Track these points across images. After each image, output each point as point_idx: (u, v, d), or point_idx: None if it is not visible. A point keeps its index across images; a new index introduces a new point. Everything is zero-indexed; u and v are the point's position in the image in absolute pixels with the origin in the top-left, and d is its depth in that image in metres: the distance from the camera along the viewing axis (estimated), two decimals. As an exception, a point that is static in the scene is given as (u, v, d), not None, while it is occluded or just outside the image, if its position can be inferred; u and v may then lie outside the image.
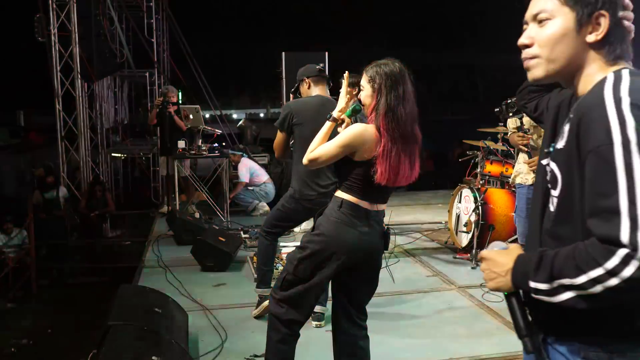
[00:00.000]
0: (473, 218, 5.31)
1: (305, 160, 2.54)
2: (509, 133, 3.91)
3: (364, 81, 2.48)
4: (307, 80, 3.75)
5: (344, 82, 2.64)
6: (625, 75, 1.25)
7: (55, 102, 8.75)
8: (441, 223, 6.88)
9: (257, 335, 3.72)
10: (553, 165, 1.34)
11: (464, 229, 5.53)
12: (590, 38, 1.29)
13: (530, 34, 1.34)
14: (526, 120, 3.78)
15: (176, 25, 11.51)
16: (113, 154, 11.25)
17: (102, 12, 9.14)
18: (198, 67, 11.10)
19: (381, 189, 2.46)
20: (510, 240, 5.30)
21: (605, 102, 1.19)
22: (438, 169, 15.38)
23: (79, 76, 8.86)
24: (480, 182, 5.85)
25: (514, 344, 3.53)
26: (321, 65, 8.17)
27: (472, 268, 5.12)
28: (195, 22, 19.36)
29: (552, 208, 1.36)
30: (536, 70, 1.34)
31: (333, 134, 2.57)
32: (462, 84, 25.13)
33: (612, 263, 1.12)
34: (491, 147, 5.72)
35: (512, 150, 5.94)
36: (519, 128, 3.73)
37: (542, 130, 3.68)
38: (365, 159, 2.41)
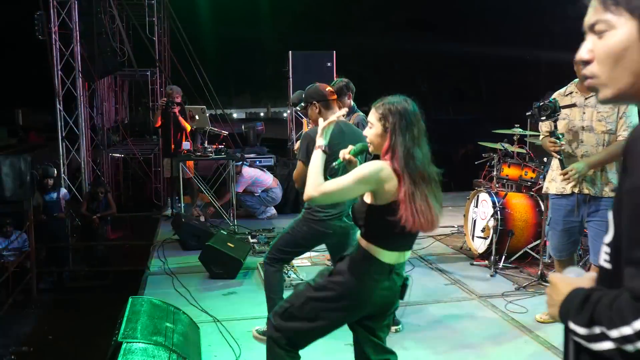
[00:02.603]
0: (491, 223, 5.12)
1: (314, 193, 2.22)
2: (541, 137, 3.66)
3: (374, 118, 2.29)
4: (317, 105, 3.48)
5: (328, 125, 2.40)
6: None
7: (55, 102, 8.53)
8: (454, 227, 6.70)
9: (272, 350, 3.55)
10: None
11: (481, 234, 5.34)
12: None
13: (589, 46, 1.11)
14: (561, 124, 3.52)
15: (178, 24, 11.30)
16: (112, 155, 11.04)
17: (103, 10, 8.93)
18: (200, 65, 10.90)
19: (409, 235, 2.26)
20: (531, 246, 5.12)
21: None
22: (441, 170, 15.20)
23: (80, 75, 8.64)
24: (496, 185, 5.67)
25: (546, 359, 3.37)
26: (330, 65, 8.06)
27: (492, 276, 4.93)
28: (197, 21, 19.15)
29: (604, 259, 1.13)
30: (601, 93, 1.12)
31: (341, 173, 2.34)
32: (464, 83, 24.94)
33: (639, 324, 0.95)
34: (509, 150, 5.53)
35: (531, 153, 5.77)
36: (552, 133, 3.45)
37: (579, 135, 3.46)
38: (388, 201, 2.20)
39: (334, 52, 8.05)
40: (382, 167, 2.20)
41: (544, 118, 3.41)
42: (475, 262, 5.31)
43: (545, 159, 5.37)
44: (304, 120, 4.41)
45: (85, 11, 8.55)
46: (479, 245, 5.39)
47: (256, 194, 7.35)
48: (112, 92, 12.44)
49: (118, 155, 11.78)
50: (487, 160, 6.00)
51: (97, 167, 9.84)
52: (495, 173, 5.64)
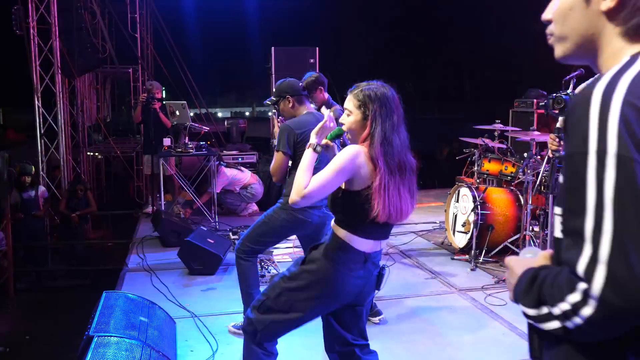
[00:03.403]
0: (472, 218, 5.13)
1: (297, 195, 2.18)
2: None
3: (352, 105, 2.24)
4: (290, 99, 3.50)
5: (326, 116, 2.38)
6: None
7: (34, 98, 8.40)
8: (435, 223, 6.71)
9: (250, 344, 3.51)
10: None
11: (462, 229, 5.34)
12: (604, 5, 1.03)
13: (552, 6, 1.14)
14: None
15: (161, 21, 11.19)
16: (89, 153, 10.88)
17: (83, 5, 8.81)
18: (183, 63, 10.80)
19: (384, 224, 2.23)
20: (510, 240, 5.13)
21: (592, 97, 0.95)
22: (426, 168, 15.25)
23: (59, 71, 8.51)
24: (477, 180, 5.67)
25: (525, 352, 3.36)
26: (313, 62, 8.03)
27: (472, 270, 4.93)
28: (180, 18, 19.00)
29: (558, 229, 1.11)
30: (555, 50, 1.13)
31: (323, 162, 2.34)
32: (449, 83, 25.09)
33: (573, 298, 0.93)
34: (489, 145, 5.54)
35: (512, 148, 5.78)
36: (558, 129, 3.24)
37: None
38: (362, 186, 2.17)
39: (317, 48, 8.03)
40: (358, 152, 2.17)
41: (557, 111, 3.26)
42: (455, 257, 5.31)
43: (525, 154, 5.38)
44: (273, 117, 4.36)
45: (64, 6, 8.43)
46: (460, 240, 5.40)
47: (235, 191, 7.30)
48: (93, 89, 12.28)
49: (99, 155, 11.65)
50: (468, 155, 6.00)
51: (77, 165, 9.70)
52: (476, 168, 5.65)
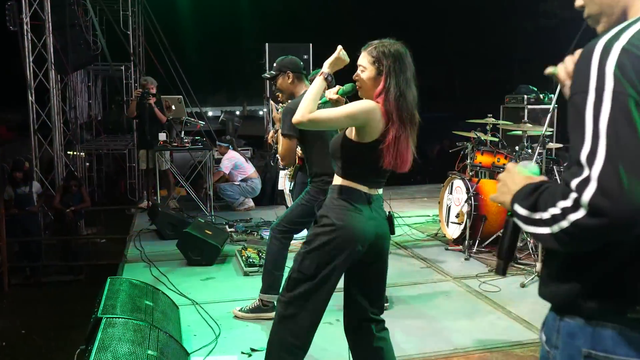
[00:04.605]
0: (465, 209, 5.23)
1: (303, 119, 2.28)
2: None
3: (366, 61, 2.31)
4: (291, 75, 3.56)
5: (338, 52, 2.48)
6: None
7: (27, 94, 8.39)
8: (429, 216, 6.81)
9: (252, 329, 3.58)
10: None
11: (456, 220, 5.44)
12: None
13: None
14: None
15: (153, 18, 11.21)
16: (81, 153, 10.84)
17: (76, 2, 8.82)
18: (175, 61, 10.82)
19: (380, 173, 2.34)
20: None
21: (596, 47, 1.08)
22: (418, 165, 15.34)
23: (53, 67, 8.51)
24: (470, 173, 5.78)
25: (519, 334, 3.47)
26: (307, 58, 8.12)
27: (466, 259, 5.03)
28: (173, 17, 19.00)
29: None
30: (597, 30, 1.24)
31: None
32: (439, 81, 25.27)
33: (564, 204, 1.06)
34: (482, 138, 5.65)
35: (503, 141, 5.89)
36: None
37: None
38: (369, 140, 2.26)
39: (311, 44, 8.11)
40: (374, 108, 2.26)
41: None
42: (450, 247, 5.41)
43: (517, 147, 5.50)
44: (272, 105, 4.42)
45: (57, 2, 8.43)
46: (454, 231, 5.49)
47: (235, 183, 7.36)
48: (85, 87, 12.26)
49: (90, 153, 11.63)
50: (461, 149, 6.10)
51: (70, 162, 9.69)
52: (468, 161, 5.75)
